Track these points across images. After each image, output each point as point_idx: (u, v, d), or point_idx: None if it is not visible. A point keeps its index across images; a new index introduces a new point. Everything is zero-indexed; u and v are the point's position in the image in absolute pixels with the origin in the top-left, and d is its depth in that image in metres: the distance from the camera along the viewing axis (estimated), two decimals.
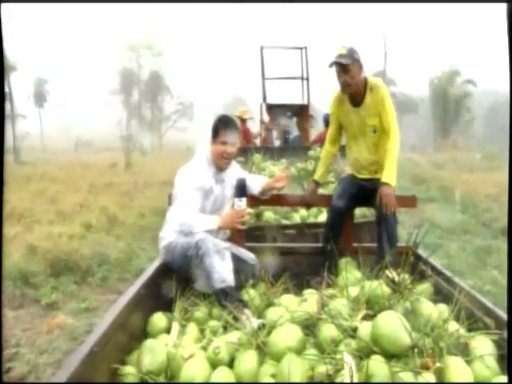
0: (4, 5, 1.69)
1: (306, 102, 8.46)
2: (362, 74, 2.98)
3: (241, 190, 2.77)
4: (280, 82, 8.80)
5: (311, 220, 4.62)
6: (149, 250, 6.70)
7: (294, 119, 8.49)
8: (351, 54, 2.91)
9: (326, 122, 7.66)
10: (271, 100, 8.45)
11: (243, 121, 7.98)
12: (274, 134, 8.58)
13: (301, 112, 8.35)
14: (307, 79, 8.45)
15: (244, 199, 2.73)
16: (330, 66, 2.95)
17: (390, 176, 2.88)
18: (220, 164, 2.81)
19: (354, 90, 2.99)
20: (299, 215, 4.68)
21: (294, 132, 8.37)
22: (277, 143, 8.47)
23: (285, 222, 4.56)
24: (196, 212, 2.66)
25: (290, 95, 9.08)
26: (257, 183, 3.08)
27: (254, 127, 8.98)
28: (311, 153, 6.25)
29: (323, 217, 4.50)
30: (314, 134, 8.58)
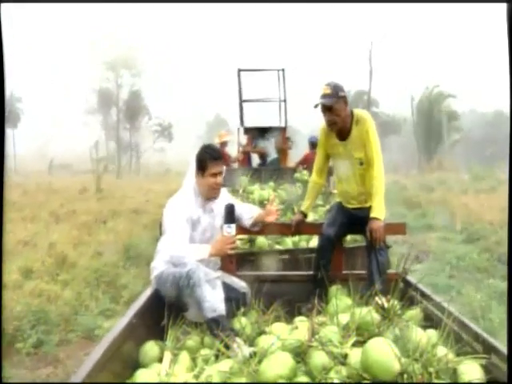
0: None
1: (283, 125, 8.56)
2: (347, 108, 3.05)
3: (229, 215, 2.76)
4: (258, 104, 8.92)
5: (303, 244, 4.67)
6: (102, 301, 5.54)
7: (273, 141, 8.54)
8: (336, 92, 2.98)
9: (311, 145, 7.82)
10: (249, 122, 8.59)
11: (222, 144, 8.04)
12: (253, 156, 8.62)
13: (278, 134, 8.41)
14: (285, 101, 8.57)
15: (233, 225, 2.73)
16: (315, 106, 3.03)
17: (378, 211, 2.94)
18: (211, 195, 2.85)
19: (340, 126, 3.06)
20: (291, 240, 4.73)
21: (273, 154, 8.42)
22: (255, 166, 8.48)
23: (278, 247, 4.60)
24: (185, 242, 2.68)
25: (268, 117, 9.15)
26: (248, 215, 3.08)
27: (233, 149, 9.03)
28: (297, 175, 6.34)
29: (314, 242, 4.56)
30: (293, 155, 8.71)
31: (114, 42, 33.85)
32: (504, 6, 1.73)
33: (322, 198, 5.52)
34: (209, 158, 2.79)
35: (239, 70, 8.53)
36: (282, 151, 8.35)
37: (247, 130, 8.53)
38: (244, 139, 8.61)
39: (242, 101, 8.55)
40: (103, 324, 4.90)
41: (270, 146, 8.51)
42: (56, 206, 11.62)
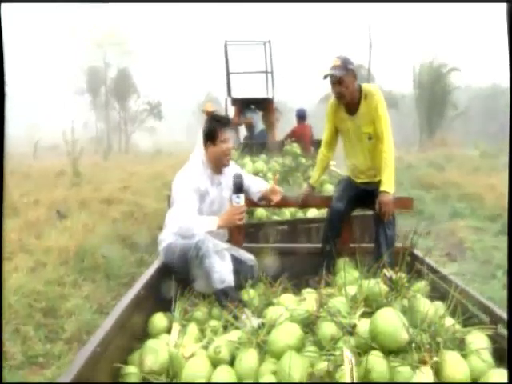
0: None
1: (270, 96, 8.53)
2: (355, 82, 3.03)
3: (238, 186, 2.77)
4: (246, 76, 8.83)
5: (300, 215, 4.70)
6: (34, 341, 3.64)
7: (260, 113, 8.48)
8: (345, 64, 2.97)
9: (299, 118, 7.77)
10: (237, 94, 8.48)
11: (209, 114, 7.93)
12: (240, 129, 8.52)
13: (266, 106, 8.39)
14: (271, 73, 8.57)
15: (242, 195, 2.75)
16: (325, 77, 3.00)
17: (388, 184, 2.95)
18: (223, 162, 2.86)
19: (349, 100, 3.04)
20: (289, 211, 4.75)
21: (260, 126, 8.35)
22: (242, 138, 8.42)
23: (276, 218, 4.62)
24: (194, 214, 2.69)
25: (256, 89, 9.03)
26: (256, 188, 3.09)
27: None
28: (287, 148, 6.31)
29: (312, 212, 4.64)
30: (280, 128, 8.66)
31: (100, 19, 32.82)
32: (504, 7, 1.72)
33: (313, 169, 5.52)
34: (218, 125, 2.82)
35: (226, 42, 8.52)
36: (270, 123, 8.32)
37: (234, 101, 8.47)
38: (231, 110, 8.55)
39: (229, 73, 8.51)
40: (29, 379, 3.25)
41: (257, 118, 8.42)
42: (19, 194, 9.13)
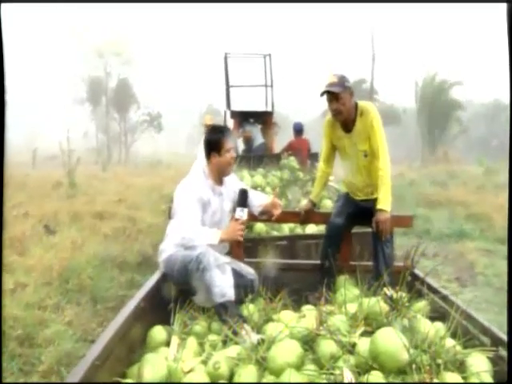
0: None
1: (269, 109, 8.56)
2: (352, 100, 3.05)
3: (243, 199, 2.80)
4: (245, 89, 8.89)
5: (299, 231, 4.68)
6: (8, 373, 3.24)
7: (259, 127, 8.51)
8: (342, 82, 2.99)
9: (296, 132, 7.81)
10: (236, 107, 8.49)
11: (209, 127, 7.92)
12: (238, 141, 8.57)
13: (265, 119, 8.43)
14: (271, 86, 8.59)
15: (246, 210, 2.78)
16: (322, 94, 3.02)
17: (384, 202, 2.95)
18: (228, 172, 2.91)
19: (346, 117, 3.06)
20: (288, 226, 4.74)
21: (259, 139, 8.34)
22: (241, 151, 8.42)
23: (275, 233, 4.62)
24: (198, 225, 2.70)
25: (255, 103, 9.10)
26: (258, 202, 3.09)
27: None
28: (284, 162, 6.32)
29: (311, 228, 4.61)
30: (280, 141, 8.68)
31: (102, 28, 32.74)
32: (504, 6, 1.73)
33: (311, 184, 5.53)
34: (222, 135, 2.86)
35: (226, 55, 8.53)
36: (269, 137, 8.34)
37: (234, 114, 8.46)
38: (230, 123, 8.56)
39: (228, 85, 8.52)
40: None
41: (256, 131, 8.43)
42: (12, 205, 8.69)
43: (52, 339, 3.64)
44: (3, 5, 1.79)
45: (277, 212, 3.06)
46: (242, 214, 2.75)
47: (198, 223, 2.71)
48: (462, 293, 5.14)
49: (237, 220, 2.75)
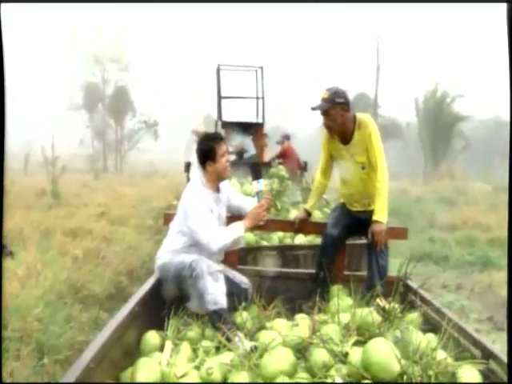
0: None
1: (260, 121, 8.70)
2: (347, 114, 3.03)
3: (256, 171, 2.90)
4: (237, 101, 9.01)
5: (288, 241, 4.69)
6: None
7: (251, 137, 8.55)
8: (332, 98, 2.97)
9: (287, 139, 8.28)
10: (228, 118, 8.59)
11: (200, 135, 7.97)
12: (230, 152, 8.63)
13: (255, 130, 8.52)
14: (262, 98, 8.75)
15: (261, 180, 2.87)
16: (313, 109, 3.04)
17: (380, 214, 2.96)
18: (225, 176, 2.92)
19: (339, 131, 3.06)
20: (277, 236, 4.73)
21: (251, 150, 8.40)
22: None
23: (264, 243, 4.58)
24: (216, 227, 2.75)
25: (246, 114, 9.20)
26: (249, 207, 3.01)
27: None
28: (273, 171, 6.33)
29: (300, 238, 4.62)
30: (269, 152, 8.88)
31: (100, 34, 32.65)
32: (504, 7, 1.73)
33: (301, 194, 5.54)
34: (214, 142, 2.87)
35: (219, 67, 8.65)
36: (259, 148, 8.45)
37: (225, 125, 8.53)
38: (222, 133, 8.59)
39: (220, 97, 8.63)
40: None
41: (248, 142, 8.48)
42: None
43: None
44: (3, 5, 1.80)
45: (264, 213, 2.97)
46: (259, 185, 2.86)
47: (216, 226, 2.76)
48: (498, 339, 4.10)
49: (257, 194, 2.87)
